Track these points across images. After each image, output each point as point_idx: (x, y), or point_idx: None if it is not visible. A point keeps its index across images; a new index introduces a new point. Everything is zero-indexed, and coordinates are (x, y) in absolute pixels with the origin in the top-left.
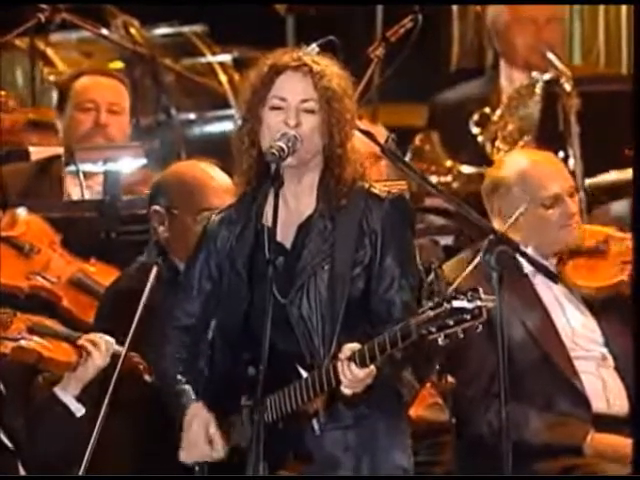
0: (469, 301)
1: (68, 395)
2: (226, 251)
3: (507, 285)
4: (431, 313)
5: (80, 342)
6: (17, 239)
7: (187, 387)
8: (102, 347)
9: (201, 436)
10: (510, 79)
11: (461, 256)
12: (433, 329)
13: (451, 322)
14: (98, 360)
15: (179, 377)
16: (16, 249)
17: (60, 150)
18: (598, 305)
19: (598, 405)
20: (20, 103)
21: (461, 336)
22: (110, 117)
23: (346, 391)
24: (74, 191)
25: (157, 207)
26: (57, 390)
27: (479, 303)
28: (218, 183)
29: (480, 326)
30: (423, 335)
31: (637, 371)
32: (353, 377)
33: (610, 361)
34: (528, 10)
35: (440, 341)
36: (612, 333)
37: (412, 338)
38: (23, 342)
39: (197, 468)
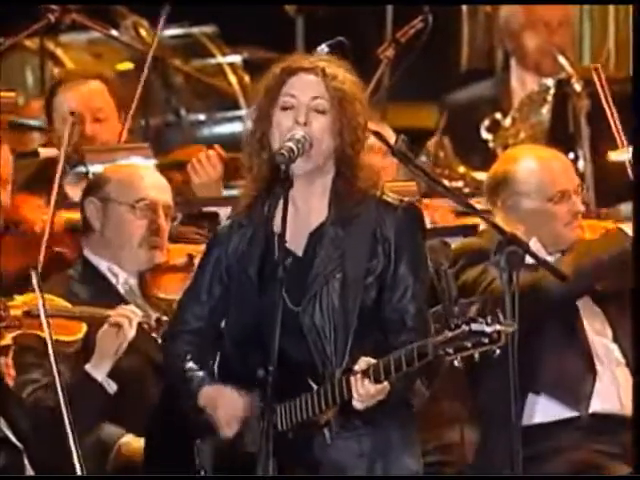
0: (488, 325)
1: (101, 373)
2: (237, 255)
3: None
4: (449, 334)
5: (115, 319)
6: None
7: (196, 374)
8: (134, 320)
9: (228, 404)
10: (521, 81)
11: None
12: (450, 350)
13: (469, 344)
14: (130, 334)
15: (189, 368)
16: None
17: None
18: (605, 300)
19: (611, 405)
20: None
21: (477, 359)
22: (96, 126)
23: (358, 405)
24: (73, 192)
25: (92, 197)
26: (90, 369)
27: (498, 327)
28: (156, 177)
29: (497, 350)
30: (439, 355)
31: (637, 370)
32: (366, 393)
33: (620, 358)
34: (541, 13)
35: (456, 362)
36: (622, 329)
37: (428, 358)
38: (22, 330)
39: (203, 472)
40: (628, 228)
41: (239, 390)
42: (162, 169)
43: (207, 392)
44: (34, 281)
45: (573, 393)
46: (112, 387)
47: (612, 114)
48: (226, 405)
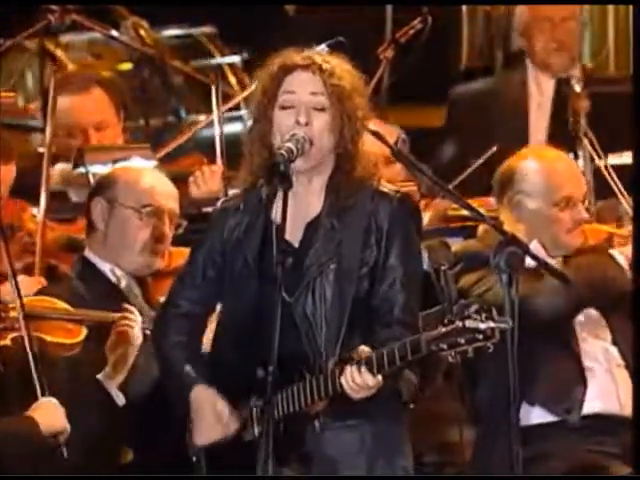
0: (482, 321)
1: (114, 385)
2: (233, 240)
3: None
4: (443, 330)
5: (123, 329)
6: None
7: (190, 369)
8: (139, 325)
9: (211, 417)
10: (537, 82)
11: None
12: (444, 346)
13: (462, 341)
14: (139, 340)
15: (182, 360)
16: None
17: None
18: (606, 302)
19: (610, 405)
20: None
21: (471, 355)
22: (99, 136)
23: (353, 395)
24: (74, 194)
25: (99, 198)
26: (103, 379)
27: (492, 324)
28: (164, 184)
29: (492, 346)
30: (433, 351)
31: (637, 370)
32: (363, 382)
33: (619, 359)
34: (545, 9)
35: (450, 358)
36: (621, 332)
37: (422, 353)
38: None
39: (195, 458)
40: (620, 254)
41: (225, 401)
42: None
43: (196, 392)
44: (13, 285)
45: (563, 403)
46: (121, 400)
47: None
48: (204, 414)
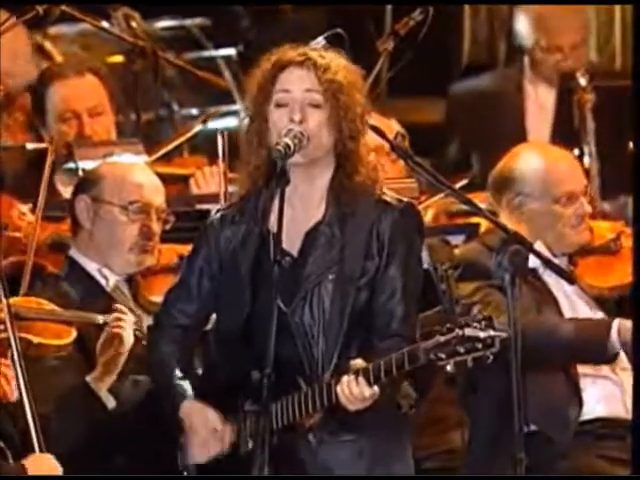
0: (482, 330)
1: (103, 387)
2: (229, 252)
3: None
4: (441, 338)
5: (115, 330)
6: None
7: (182, 382)
8: (129, 327)
9: (205, 432)
10: (535, 85)
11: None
12: (442, 355)
13: (462, 350)
14: (129, 341)
15: (174, 373)
16: None
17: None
18: (612, 305)
19: (616, 409)
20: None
21: (470, 365)
22: (93, 122)
23: (349, 407)
24: (65, 190)
25: (84, 196)
26: (91, 382)
27: (492, 333)
28: (150, 178)
29: (491, 356)
30: (431, 360)
31: (637, 372)
32: (359, 393)
33: (626, 363)
34: (556, 39)
35: (449, 367)
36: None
37: (419, 363)
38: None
39: (185, 473)
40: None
41: (218, 415)
42: (162, 179)
43: (186, 408)
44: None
45: (556, 423)
46: (111, 403)
47: None
48: (200, 430)
